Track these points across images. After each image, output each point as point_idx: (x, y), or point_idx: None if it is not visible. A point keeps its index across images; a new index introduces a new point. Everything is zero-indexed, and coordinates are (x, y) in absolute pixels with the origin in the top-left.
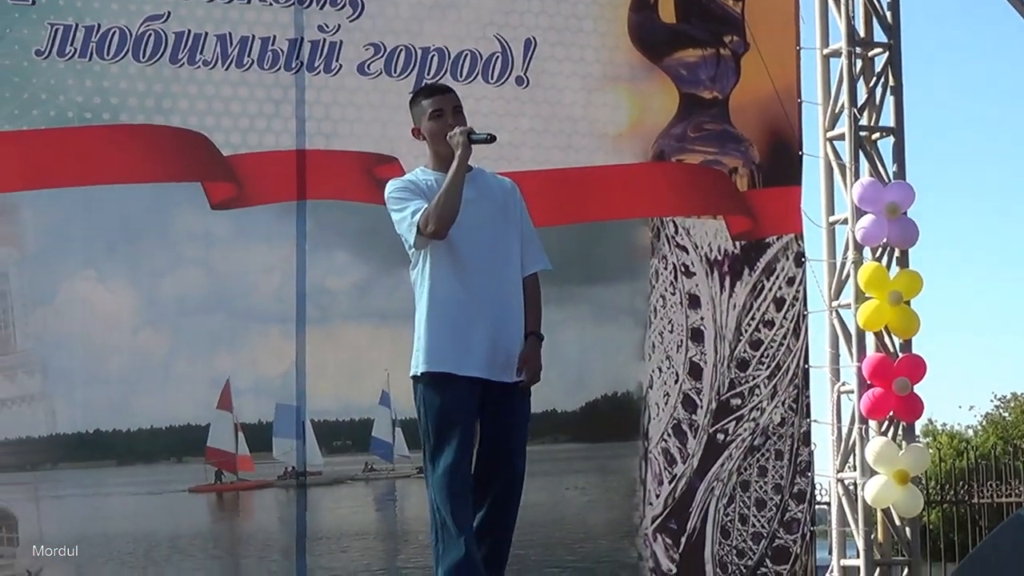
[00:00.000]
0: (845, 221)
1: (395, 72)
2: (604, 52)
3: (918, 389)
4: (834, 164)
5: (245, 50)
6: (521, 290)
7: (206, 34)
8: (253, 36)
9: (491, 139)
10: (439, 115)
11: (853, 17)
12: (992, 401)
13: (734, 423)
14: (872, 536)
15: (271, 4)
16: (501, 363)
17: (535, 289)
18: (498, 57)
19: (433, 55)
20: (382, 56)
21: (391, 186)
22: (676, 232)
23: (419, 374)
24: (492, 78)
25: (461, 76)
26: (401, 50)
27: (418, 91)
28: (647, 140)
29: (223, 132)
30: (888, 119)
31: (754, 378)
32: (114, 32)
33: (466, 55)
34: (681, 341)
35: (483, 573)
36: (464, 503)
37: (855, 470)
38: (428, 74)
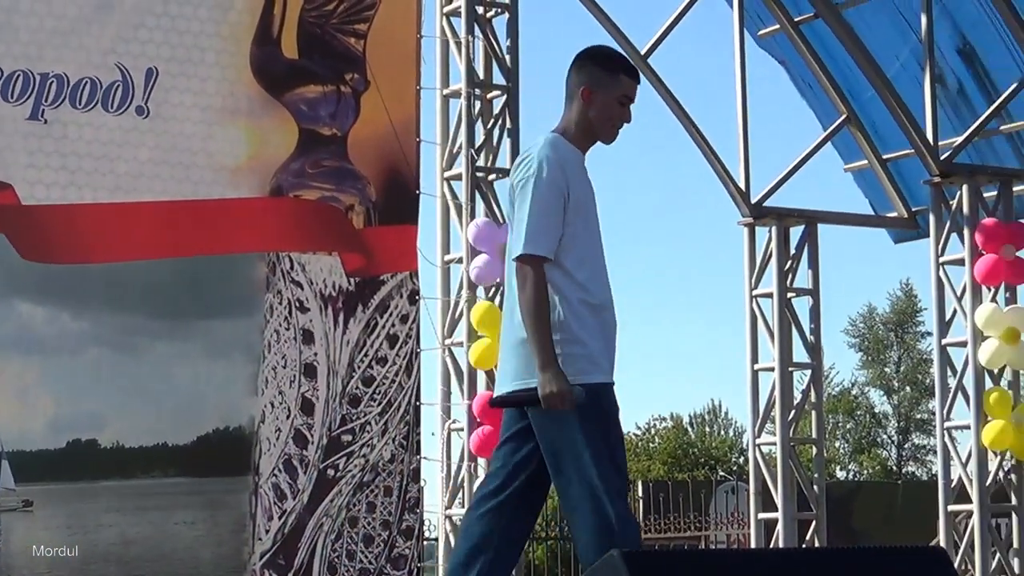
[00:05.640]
0: (460, 260)
1: (12, 97)
2: (225, 85)
3: None
4: (450, 203)
5: None
6: None
7: None
8: None
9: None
10: (625, 103)
11: (473, 59)
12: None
13: (345, 459)
14: None
15: None
16: None
17: None
18: (119, 85)
19: (52, 81)
20: None
21: (550, 165)
22: (292, 267)
23: (586, 383)
24: (112, 107)
25: (80, 104)
26: (19, 75)
27: (619, 61)
28: (265, 175)
29: None
30: (505, 161)
31: (366, 414)
32: None
33: (86, 82)
34: (294, 376)
35: None
36: None
37: (463, 507)
38: (46, 101)
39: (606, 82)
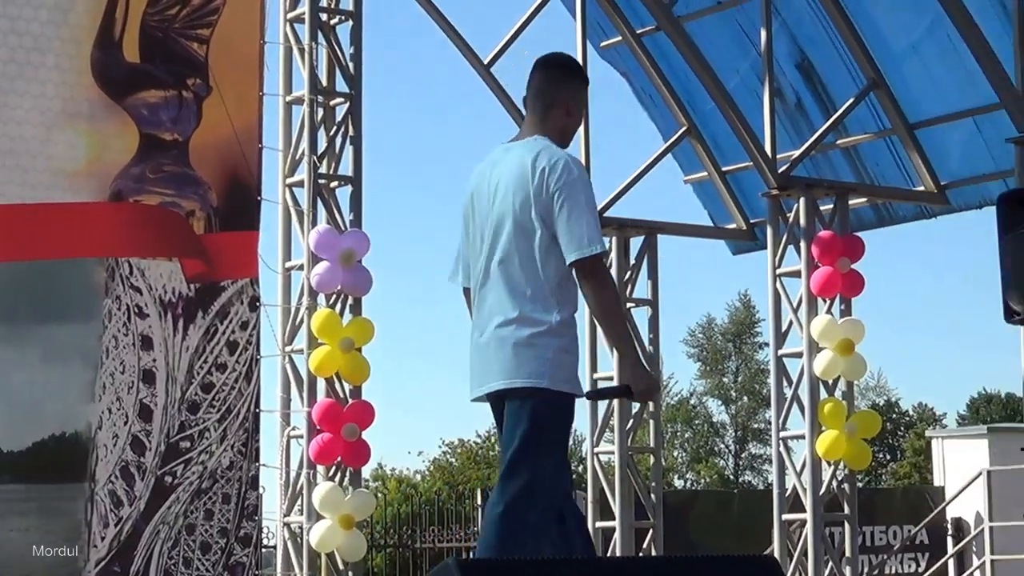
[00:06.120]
0: (301, 267)
1: None
2: (65, 88)
3: (367, 435)
4: (292, 210)
5: None
6: None
7: None
8: None
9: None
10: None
11: (316, 66)
12: (440, 447)
13: (183, 466)
14: None
15: None
16: None
17: None
18: None
19: None
20: None
21: (580, 169)
22: (131, 273)
23: (566, 393)
24: None
25: None
26: None
27: (584, 72)
28: (105, 179)
29: None
30: (347, 168)
31: (205, 421)
32: None
33: None
34: (132, 382)
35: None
36: None
37: (302, 514)
38: None
39: (582, 95)
